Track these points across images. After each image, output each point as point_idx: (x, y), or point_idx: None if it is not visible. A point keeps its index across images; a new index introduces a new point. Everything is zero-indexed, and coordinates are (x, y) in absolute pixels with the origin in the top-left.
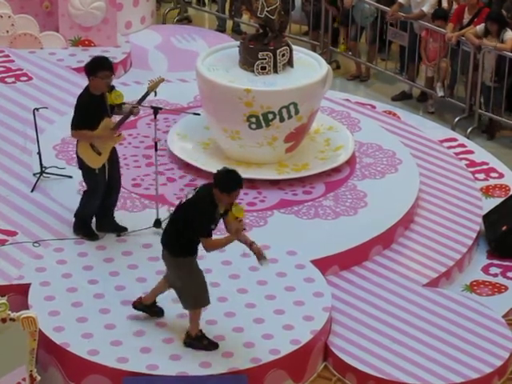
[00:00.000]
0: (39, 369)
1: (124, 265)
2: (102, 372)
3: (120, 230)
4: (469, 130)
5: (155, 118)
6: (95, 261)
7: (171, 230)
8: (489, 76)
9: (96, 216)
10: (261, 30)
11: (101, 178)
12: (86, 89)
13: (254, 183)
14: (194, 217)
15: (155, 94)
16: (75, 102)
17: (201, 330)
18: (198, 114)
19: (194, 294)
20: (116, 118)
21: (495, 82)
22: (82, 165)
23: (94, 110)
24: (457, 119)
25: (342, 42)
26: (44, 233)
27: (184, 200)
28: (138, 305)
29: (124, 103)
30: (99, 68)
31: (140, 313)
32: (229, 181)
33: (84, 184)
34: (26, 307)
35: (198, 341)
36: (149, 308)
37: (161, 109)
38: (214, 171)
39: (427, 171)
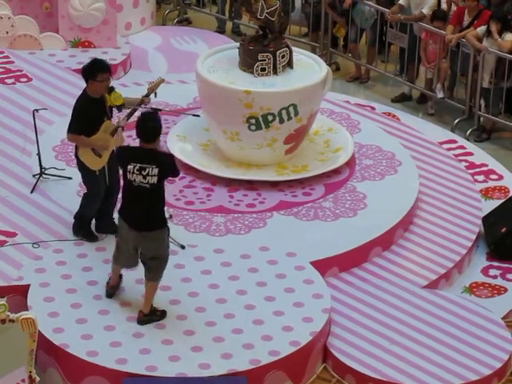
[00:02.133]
0: (38, 370)
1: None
2: (102, 373)
3: None
4: (468, 131)
5: None
6: (95, 262)
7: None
8: (488, 78)
9: (95, 217)
10: (260, 32)
11: (101, 181)
12: (84, 92)
13: (253, 185)
14: None
15: (155, 95)
16: (73, 106)
17: (152, 306)
18: (198, 116)
19: (166, 262)
20: (114, 120)
21: (495, 83)
22: (81, 167)
23: (93, 114)
24: (456, 121)
25: (343, 43)
26: (43, 234)
27: None
28: (142, 319)
29: (123, 104)
30: (98, 71)
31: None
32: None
33: (84, 186)
34: (26, 308)
35: (153, 315)
36: (151, 315)
37: (160, 110)
38: (214, 173)
39: (427, 173)
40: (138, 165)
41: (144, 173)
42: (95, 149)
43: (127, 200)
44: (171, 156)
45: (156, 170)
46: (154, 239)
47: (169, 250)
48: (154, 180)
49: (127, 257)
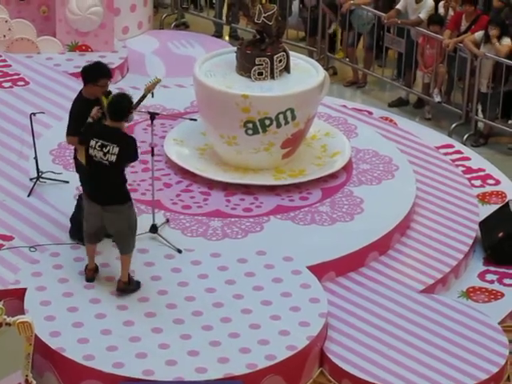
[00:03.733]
0: (35, 374)
1: (120, 270)
2: (98, 377)
3: None
4: (465, 136)
5: (152, 123)
6: None
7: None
8: (485, 82)
9: None
10: (258, 36)
11: None
12: (80, 94)
13: (250, 189)
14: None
15: (152, 96)
16: (70, 108)
17: (128, 274)
18: (195, 120)
19: (134, 236)
20: None
21: (492, 88)
22: (79, 169)
23: (89, 115)
24: (453, 126)
25: (340, 48)
26: (40, 237)
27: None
28: (124, 287)
29: None
30: (100, 76)
31: (136, 317)
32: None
33: (81, 188)
34: (22, 312)
35: (131, 284)
36: (95, 271)
37: (158, 114)
38: (211, 177)
39: (424, 177)
40: (100, 141)
41: (105, 150)
42: None
43: (88, 174)
44: (133, 139)
45: (116, 149)
46: (113, 213)
47: (135, 224)
48: (113, 158)
49: (95, 232)
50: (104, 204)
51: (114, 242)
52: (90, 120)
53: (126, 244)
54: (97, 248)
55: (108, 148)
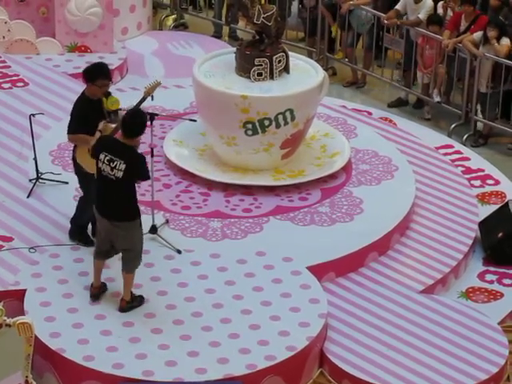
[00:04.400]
0: (35, 374)
1: (119, 271)
2: (98, 378)
3: None
4: (465, 136)
5: (151, 124)
6: (91, 267)
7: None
8: (485, 83)
9: (92, 222)
10: (257, 37)
11: None
12: (83, 93)
13: (249, 189)
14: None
15: (152, 98)
16: (72, 107)
17: (131, 292)
18: (195, 121)
19: (140, 255)
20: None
21: (491, 88)
22: (78, 170)
23: (91, 115)
24: (453, 126)
25: (339, 48)
26: (40, 238)
27: None
28: (126, 307)
29: (120, 109)
30: (98, 76)
31: (136, 318)
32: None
33: (80, 190)
34: (22, 313)
35: (135, 301)
36: (102, 290)
37: (157, 115)
38: (210, 177)
39: (423, 178)
40: (109, 156)
41: (112, 165)
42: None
43: (97, 188)
44: (143, 158)
45: (123, 166)
46: (121, 230)
47: (141, 244)
48: (120, 174)
49: (106, 248)
50: (111, 219)
51: (121, 258)
52: (98, 133)
53: (131, 263)
54: None
55: (115, 163)
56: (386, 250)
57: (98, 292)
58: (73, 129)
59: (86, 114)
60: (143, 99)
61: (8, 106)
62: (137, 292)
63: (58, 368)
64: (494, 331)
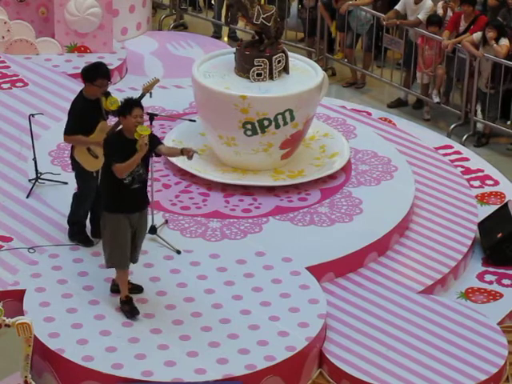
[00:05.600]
0: (34, 375)
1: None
2: (97, 378)
3: None
4: (464, 137)
5: (151, 124)
6: (90, 267)
7: (101, 183)
8: (484, 82)
9: (91, 222)
10: (256, 37)
11: (94, 182)
12: (80, 93)
13: (249, 190)
14: (106, 150)
15: (150, 96)
16: (70, 107)
17: (126, 295)
18: (194, 121)
19: (110, 251)
20: (111, 122)
21: (491, 88)
22: (77, 168)
23: (89, 115)
24: (452, 126)
25: (339, 49)
26: (39, 239)
27: None
28: (112, 286)
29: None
30: (97, 76)
31: (134, 320)
32: (125, 105)
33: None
34: (21, 313)
35: (122, 304)
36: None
37: (156, 115)
38: (210, 178)
39: (423, 178)
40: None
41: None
42: (91, 149)
43: (127, 186)
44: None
45: None
46: (145, 216)
47: None
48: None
49: (131, 251)
50: (144, 207)
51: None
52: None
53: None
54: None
55: None
56: (385, 251)
57: (116, 287)
58: (70, 129)
59: (85, 114)
60: (141, 96)
61: (7, 106)
62: (135, 294)
63: (57, 368)
64: (493, 331)
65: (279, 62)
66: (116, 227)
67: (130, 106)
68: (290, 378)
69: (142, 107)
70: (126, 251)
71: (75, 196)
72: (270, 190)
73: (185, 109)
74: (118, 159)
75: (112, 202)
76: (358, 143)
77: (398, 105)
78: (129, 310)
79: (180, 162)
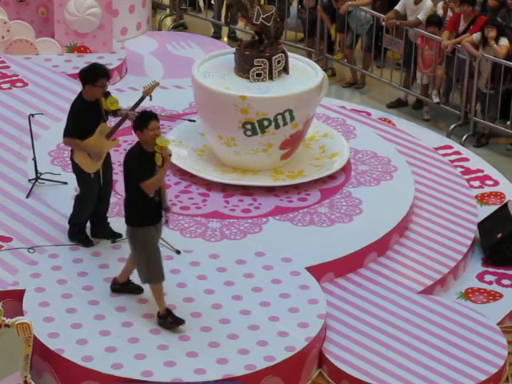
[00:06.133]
0: (33, 375)
1: (119, 271)
2: (97, 378)
3: (115, 237)
4: (464, 137)
5: None
6: (90, 267)
7: (125, 199)
8: (484, 82)
9: (91, 222)
10: (256, 37)
11: (95, 183)
12: (80, 96)
13: (249, 190)
14: (130, 169)
15: (150, 99)
16: (69, 109)
17: (167, 308)
18: (194, 121)
19: (148, 267)
20: (111, 123)
21: (491, 88)
22: (76, 169)
23: (89, 117)
24: (452, 126)
25: (339, 49)
26: (39, 239)
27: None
28: (113, 285)
29: (119, 109)
30: (98, 76)
31: (135, 318)
32: (140, 119)
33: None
34: (21, 313)
35: (163, 319)
36: (124, 286)
37: (156, 115)
38: (210, 178)
39: (422, 178)
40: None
41: None
42: (90, 154)
43: (150, 200)
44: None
45: None
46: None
47: None
48: None
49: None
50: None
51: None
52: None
53: None
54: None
55: None
56: (385, 251)
57: (117, 286)
58: (70, 131)
59: (85, 116)
60: (141, 99)
61: (7, 106)
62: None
63: (57, 368)
64: (493, 332)
65: (279, 62)
66: (148, 240)
67: (146, 119)
68: (289, 378)
69: (157, 118)
70: (162, 262)
71: (77, 198)
72: (270, 190)
73: (184, 109)
74: (146, 176)
75: (140, 216)
76: (357, 143)
77: (397, 105)
78: (174, 321)
79: (180, 162)
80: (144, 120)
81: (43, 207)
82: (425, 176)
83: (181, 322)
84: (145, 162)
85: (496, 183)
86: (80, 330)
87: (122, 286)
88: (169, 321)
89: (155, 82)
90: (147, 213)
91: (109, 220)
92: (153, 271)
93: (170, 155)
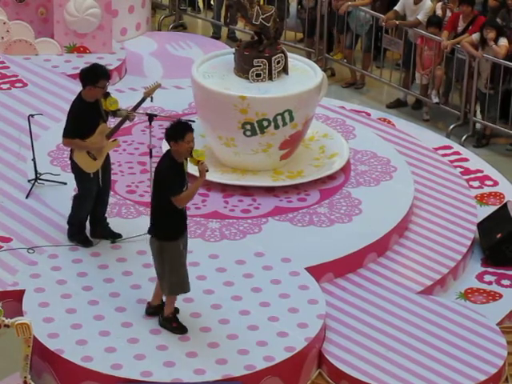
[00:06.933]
0: (33, 375)
1: (118, 271)
2: (96, 379)
3: (114, 237)
4: (463, 137)
5: (150, 124)
6: (90, 267)
7: (152, 211)
8: (484, 83)
9: (90, 222)
10: (256, 37)
11: (94, 183)
12: (79, 96)
13: (248, 190)
14: (163, 182)
15: (151, 100)
16: (68, 110)
17: (173, 312)
18: (193, 121)
19: (173, 280)
20: (111, 124)
21: (491, 88)
22: (75, 169)
23: (89, 118)
24: (451, 127)
25: (338, 49)
26: (38, 239)
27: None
28: (148, 309)
29: (119, 109)
30: (101, 77)
31: (134, 319)
32: (176, 130)
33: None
34: (21, 314)
35: (167, 322)
36: (158, 308)
37: (156, 115)
38: (209, 178)
39: (422, 179)
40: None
41: None
42: (90, 152)
43: (180, 213)
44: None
45: None
46: None
47: None
48: None
49: None
50: None
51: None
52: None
53: None
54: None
55: None
56: (384, 251)
57: (152, 310)
58: (69, 132)
59: (85, 116)
60: (142, 100)
61: (7, 107)
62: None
63: (57, 369)
64: (492, 332)
65: (278, 62)
66: (178, 254)
67: (183, 131)
68: (289, 378)
69: (192, 130)
70: (188, 273)
71: (75, 198)
72: (270, 191)
73: (184, 109)
74: (177, 188)
75: (173, 230)
76: (357, 144)
77: (397, 105)
78: (178, 327)
79: None
80: (180, 131)
81: (43, 207)
82: (424, 176)
83: (184, 330)
84: (177, 173)
85: (495, 183)
86: (80, 331)
87: (156, 309)
88: (173, 325)
89: (157, 84)
90: (176, 226)
91: (108, 220)
92: (180, 285)
93: (207, 170)
